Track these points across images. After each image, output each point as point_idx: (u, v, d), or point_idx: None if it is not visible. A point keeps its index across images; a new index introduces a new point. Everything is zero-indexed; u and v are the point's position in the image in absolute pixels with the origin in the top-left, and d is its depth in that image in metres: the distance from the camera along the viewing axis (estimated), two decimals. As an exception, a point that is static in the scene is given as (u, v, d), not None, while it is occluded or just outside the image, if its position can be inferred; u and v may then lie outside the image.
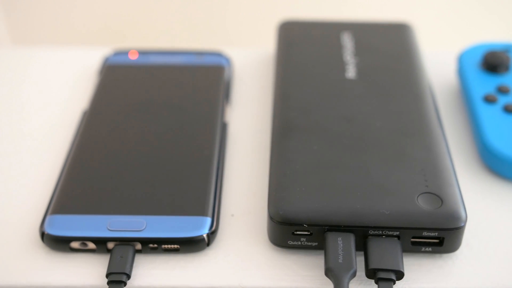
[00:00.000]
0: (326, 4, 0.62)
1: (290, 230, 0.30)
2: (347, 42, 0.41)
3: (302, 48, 0.41)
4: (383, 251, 0.29)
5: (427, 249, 0.30)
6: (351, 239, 0.29)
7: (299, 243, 0.30)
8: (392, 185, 0.30)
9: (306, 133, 0.34)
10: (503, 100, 0.37)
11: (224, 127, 0.37)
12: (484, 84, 0.38)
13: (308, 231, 0.30)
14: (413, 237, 0.30)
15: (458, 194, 0.30)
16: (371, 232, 0.29)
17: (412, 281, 0.29)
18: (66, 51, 0.45)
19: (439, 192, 0.30)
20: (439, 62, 0.43)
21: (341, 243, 0.29)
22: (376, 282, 0.28)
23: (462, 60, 0.40)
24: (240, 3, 0.62)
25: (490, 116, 0.36)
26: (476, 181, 0.35)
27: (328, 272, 0.28)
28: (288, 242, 0.30)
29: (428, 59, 0.43)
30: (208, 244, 0.31)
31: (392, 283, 0.28)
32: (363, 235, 0.29)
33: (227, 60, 0.42)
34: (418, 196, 0.30)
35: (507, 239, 0.31)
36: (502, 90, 0.37)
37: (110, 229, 0.30)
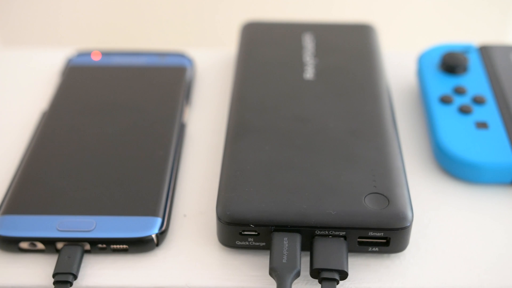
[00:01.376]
0: (295, 6, 0.62)
1: (237, 230, 0.30)
2: (308, 43, 0.41)
3: (263, 49, 0.41)
4: (328, 251, 0.29)
5: (374, 249, 0.30)
6: (297, 239, 0.29)
7: (247, 243, 0.30)
8: (340, 186, 0.31)
9: (259, 134, 0.34)
10: (459, 101, 0.37)
11: (182, 127, 0.37)
12: (441, 85, 0.38)
13: (255, 231, 0.30)
14: (360, 237, 0.30)
15: (406, 195, 0.31)
16: (318, 232, 0.29)
17: (359, 281, 0.30)
18: (30, 51, 0.46)
19: (386, 193, 0.30)
20: (401, 63, 0.43)
21: (287, 243, 0.29)
22: (320, 282, 0.28)
23: (421, 61, 0.40)
24: (206, 4, 0.62)
25: (445, 117, 0.36)
26: (430, 181, 0.35)
27: (272, 272, 0.28)
28: (236, 242, 0.30)
29: (390, 60, 0.43)
30: (157, 244, 0.31)
31: (336, 283, 0.28)
32: (310, 235, 0.30)
33: (190, 61, 0.42)
34: (365, 197, 0.30)
35: (455, 239, 0.32)
36: (458, 91, 0.37)
37: (59, 229, 0.30)
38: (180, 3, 0.64)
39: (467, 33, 0.67)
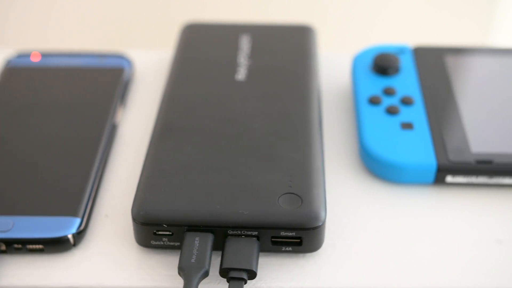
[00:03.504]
0: (241, 7, 0.62)
1: (151, 230, 0.30)
2: (244, 44, 0.41)
3: (199, 50, 0.41)
4: (238, 250, 0.29)
5: (287, 248, 0.30)
6: (209, 239, 0.29)
7: (162, 243, 0.30)
8: (256, 186, 0.31)
9: (183, 134, 0.34)
10: (387, 101, 0.37)
11: (113, 128, 0.37)
12: (371, 86, 0.38)
13: (168, 231, 0.30)
14: (273, 237, 0.30)
15: (321, 195, 0.31)
16: (230, 232, 0.30)
17: (271, 280, 0.30)
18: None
19: (300, 193, 0.31)
20: (340, 64, 0.43)
21: (198, 242, 0.29)
22: (228, 281, 0.28)
23: (355, 63, 0.40)
24: (150, 6, 0.63)
25: (372, 117, 0.36)
26: (354, 181, 0.35)
27: (180, 271, 0.28)
28: (151, 242, 0.30)
29: (329, 62, 0.44)
30: (74, 245, 0.31)
31: (243, 282, 0.28)
32: (223, 235, 0.30)
33: (129, 62, 0.42)
34: (280, 197, 0.30)
35: (373, 239, 0.32)
36: (387, 92, 0.38)
37: (-24, 229, 0.31)
38: (125, 5, 0.64)
39: (424, 34, 0.68)
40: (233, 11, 0.62)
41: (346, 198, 0.34)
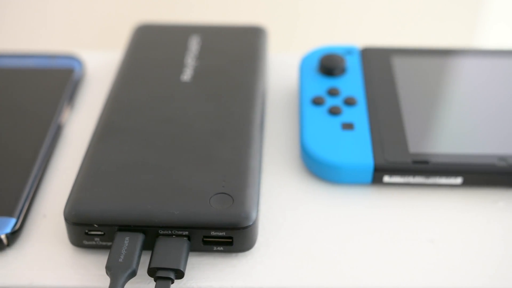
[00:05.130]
0: (199, 8, 0.62)
1: (83, 230, 0.30)
2: (194, 45, 0.41)
3: (148, 51, 0.41)
4: (167, 250, 0.29)
5: (219, 248, 0.30)
6: (139, 239, 0.30)
7: (94, 243, 0.30)
8: (189, 186, 0.31)
9: (122, 135, 0.34)
10: (330, 102, 0.37)
11: (58, 129, 0.38)
12: (316, 87, 0.38)
13: (100, 231, 0.30)
14: (205, 237, 0.30)
15: (253, 195, 0.31)
16: (161, 232, 0.30)
17: (202, 279, 0.30)
18: None
19: (232, 193, 0.31)
20: (290, 65, 0.44)
21: (127, 242, 0.29)
22: (155, 281, 0.28)
23: (302, 63, 0.41)
24: (105, 6, 0.63)
25: (314, 118, 0.36)
26: (295, 182, 0.35)
27: (107, 271, 0.28)
28: (84, 242, 0.30)
29: (280, 62, 0.44)
30: (8, 245, 0.31)
31: (170, 282, 0.28)
32: (154, 235, 0.30)
33: (79, 63, 0.42)
34: (212, 197, 0.31)
35: (308, 239, 0.32)
36: (331, 93, 0.38)
37: None
38: (82, 5, 0.64)
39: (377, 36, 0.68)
40: (191, 12, 0.62)
41: (284, 198, 0.34)
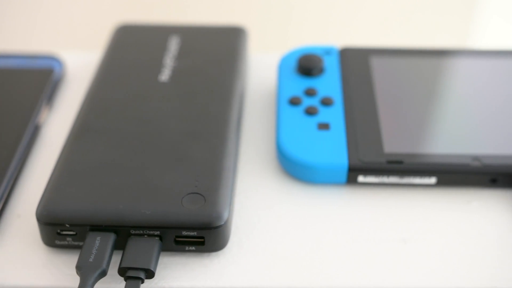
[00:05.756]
0: (182, 8, 0.63)
1: (55, 230, 0.30)
2: (173, 45, 0.41)
3: (127, 51, 0.41)
4: (138, 250, 0.29)
5: (190, 248, 0.31)
6: (111, 238, 0.30)
7: (66, 242, 0.30)
8: (162, 186, 0.31)
9: (98, 135, 0.34)
10: (307, 102, 0.37)
11: (36, 129, 0.38)
12: (293, 87, 0.39)
13: (72, 230, 0.30)
14: (177, 237, 0.30)
15: (226, 195, 0.31)
16: (133, 231, 0.30)
17: (173, 279, 0.30)
18: None
19: (205, 192, 0.31)
20: (271, 65, 0.44)
21: (98, 242, 0.29)
22: (125, 280, 0.28)
23: (281, 64, 0.41)
24: (88, 7, 0.63)
25: (290, 118, 0.36)
26: (270, 182, 0.35)
27: (77, 271, 0.28)
28: (56, 242, 0.31)
29: (261, 63, 0.44)
30: (-19, 245, 0.31)
31: (140, 282, 0.28)
32: (126, 235, 0.30)
33: (59, 63, 0.42)
34: (184, 197, 0.31)
35: (281, 239, 0.32)
36: (309, 93, 0.38)
37: None
38: (64, 5, 0.64)
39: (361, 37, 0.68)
40: (173, 12, 0.62)
41: (259, 198, 0.34)
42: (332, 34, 0.70)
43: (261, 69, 0.44)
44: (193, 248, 0.31)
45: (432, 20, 0.76)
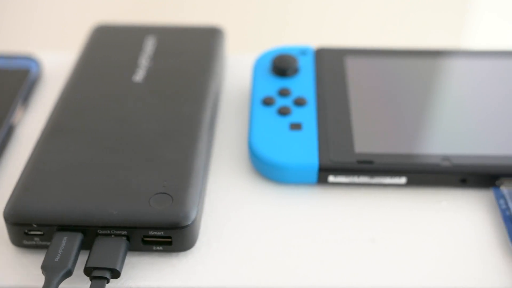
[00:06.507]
0: (163, 9, 0.63)
1: (22, 230, 0.30)
2: (149, 46, 0.42)
3: (103, 51, 0.41)
4: (104, 250, 0.29)
5: (158, 248, 0.31)
6: (78, 238, 0.30)
7: (34, 242, 0.31)
8: (130, 186, 0.31)
9: (69, 134, 0.34)
10: (280, 102, 0.37)
11: (10, 129, 0.38)
12: (267, 87, 0.39)
13: (39, 230, 0.30)
14: (145, 236, 0.30)
15: (194, 194, 0.31)
16: (100, 231, 0.30)
17: (141, 279, 0.30)
18: None
19: (172, 192, 0.31)
20: (248, 65, 0.44)
21: (65, 242, 0.29)
22: (91, 280, 0.29)
23: (256, 64, 0.41)
24: (64, 6, 0.63)
25: (263, 118, 0.36)
26: (242, 182, 0.35)
27: (43, 270, 0.28)
28: (24, 242, 0.31)
29: (239, 63, 0.44)
30: (-51, 245, 0.31)
31: (105, 281, 0.28)
32: (94, 235, 0.30)
33: (36, 63, 0.43)
34: (152, 197, 0.31)
35: (250, 238, 0.32)
36: (282, 93, 0.38)
37: None
38: (46, 6, 0.64)
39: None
40: (151, 12, 0.63)
41: (230, 198, 0.34)
42: (318, 35, 0.70)
43: (238, 70, 0.44)
44: (161, 248, 0.31)
45: (417, 20, 0.76)
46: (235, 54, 0.46)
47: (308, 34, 0.71)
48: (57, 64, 0.44)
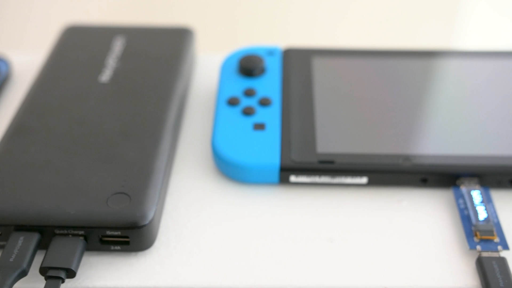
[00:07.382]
0: (138, 9, 0.63)
1: (-21, 230, 0.30)
2: (117, 46, 0.42)
3: (70, 51, 0.41)
4: (60, 250, 0.29)
5: (116, 247, 0.31)
6: (34, 238, 0.30)
7: (-8, 242, 0.31)
8: (89, 186, 0.31)
9: (30, 135, 0.34)
10: (245, 102, 0.38)
11: (-25, 130, 0.38)
12: (233, 87, 0.39)
13: (-4, 231, 0.30)
14: (102, 236, 0.30)
15: (153, 194, 0.31)
16: (57, 231, 0.30)
17: (97, 279, 0.30)
18: None
19: (130, 192, 0.31)
20: (218, 66, 0.44)
21: (21, 242, 0.29)
22: (46, 280, 0.29)
23: (223, 64, 0.41)
24: (35, 6, 0.62)
25: (227, 119, 0.37)
26: (205, 182, 0.35)
27: (-2, 271, 0.29)
28: (-18, 242, 0.31)
29: (209, 63, 0.44)
30: None
31: (60, 281, 0.28)
32: (51, 234, 0.30)
33: (6, 63, 0.43)
34: (110, 197, 0.31)
35: (210, 238, 0.32)
36: (248, 93, 0.38)
37: None
38: (17, 6, 0.64)
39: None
40: (124, 12, 0.63)
41: (192, 198, 0.34)
42: (291, 35, 0.70)
43: (208, 70, 0.44)
44: (119, 247, 0.31)
45: (391, 20, 0.76)
46: (206, 54, 0.46)
47: (281, 35, 0.71)
48: (27, 64, 0.44)
